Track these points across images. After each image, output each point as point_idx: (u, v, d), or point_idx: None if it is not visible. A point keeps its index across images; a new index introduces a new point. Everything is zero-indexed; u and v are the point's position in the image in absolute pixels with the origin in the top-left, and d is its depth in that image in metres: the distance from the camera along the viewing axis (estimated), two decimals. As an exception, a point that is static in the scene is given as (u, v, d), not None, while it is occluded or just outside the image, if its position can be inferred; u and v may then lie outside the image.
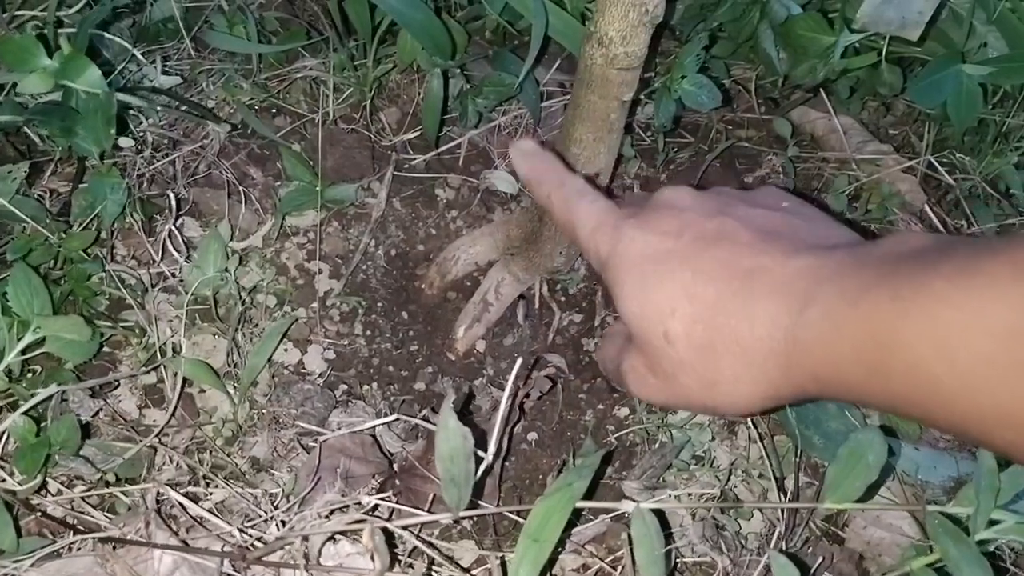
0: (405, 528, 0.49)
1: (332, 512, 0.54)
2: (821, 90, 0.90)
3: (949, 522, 0.53)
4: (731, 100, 0.95)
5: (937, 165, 0.87)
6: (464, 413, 0.73)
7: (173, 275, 0.76)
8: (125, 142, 0.71)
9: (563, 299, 0.89)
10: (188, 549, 0.52)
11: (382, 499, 0.54)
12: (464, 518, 0.52)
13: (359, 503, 0.53)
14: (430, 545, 0.51)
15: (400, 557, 0.54)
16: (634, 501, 0.52)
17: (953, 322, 0.31)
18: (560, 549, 0.60)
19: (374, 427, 0.68)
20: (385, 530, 0.50)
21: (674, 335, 0.43)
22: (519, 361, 0.54)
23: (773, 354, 0.40)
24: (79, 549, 0.55)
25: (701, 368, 0.43)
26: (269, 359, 0.73)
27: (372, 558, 0.46)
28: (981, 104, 0.82)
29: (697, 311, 0.42)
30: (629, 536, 0.54)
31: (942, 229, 0.85)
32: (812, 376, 0.38)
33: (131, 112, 0.81)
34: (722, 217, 0.46)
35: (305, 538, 0.49)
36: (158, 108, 0.79)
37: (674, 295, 0.43)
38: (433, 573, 0.53)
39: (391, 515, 0.56)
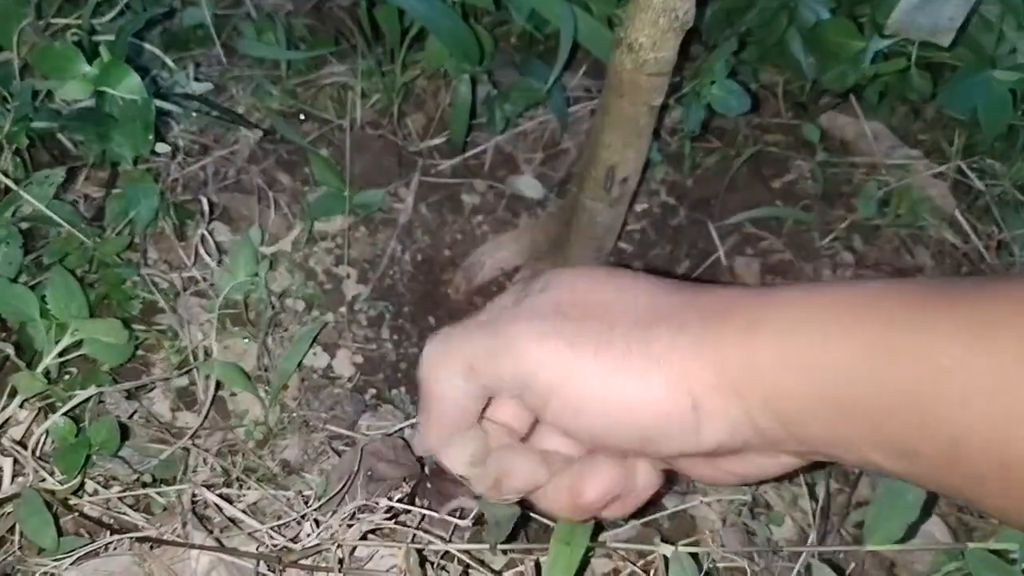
0: (441, 539, 0.49)
1: (364, 514, 0.54)
2: (850, 95, 0.90)
3: (992, 556, 0.52)
4: (759, 105, 0.95)
5: (967, 171, 0.86)
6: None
7: (204, 279, 0.76)
8: (162, 148, 0.71)
9: (589, 304, 0.89)
10: (226, 550, 0.52)
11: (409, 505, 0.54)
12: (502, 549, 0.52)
13: (394, 504, 0.53)
14: (465, 552, 0.51)
15: (431, 560, 0.54)
16: (665, 508, 0.52)
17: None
18: (592, 553, 0.60)
19: (402, 430, 0.69)
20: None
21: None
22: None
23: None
24: (115, 549, 0.56)
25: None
26: (299, 363, 0.74)
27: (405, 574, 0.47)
28: (1011, 110, 0.82)
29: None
30: (662, 540, 0.54)
31: (972, 235, 0.84)
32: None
33: (163, 118, 0.82)
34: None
35: (340, 544, 0.49)
36: (193, 113, 0.80)
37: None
38: (468, 576, 0.53)
39: (423, 519, 0.57)
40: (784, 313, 0.35)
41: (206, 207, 0.77)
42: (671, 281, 0.41)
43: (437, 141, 0.93)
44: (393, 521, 0.53)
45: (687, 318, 0.37)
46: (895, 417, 0.31)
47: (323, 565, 0.51)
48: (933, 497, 0.65)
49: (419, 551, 0.48)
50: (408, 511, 0.54)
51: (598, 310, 0.39)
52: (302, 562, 0.51)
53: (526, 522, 0.59)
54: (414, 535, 0.51)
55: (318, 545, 0.50)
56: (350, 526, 0.52)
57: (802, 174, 0.91)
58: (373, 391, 0.76)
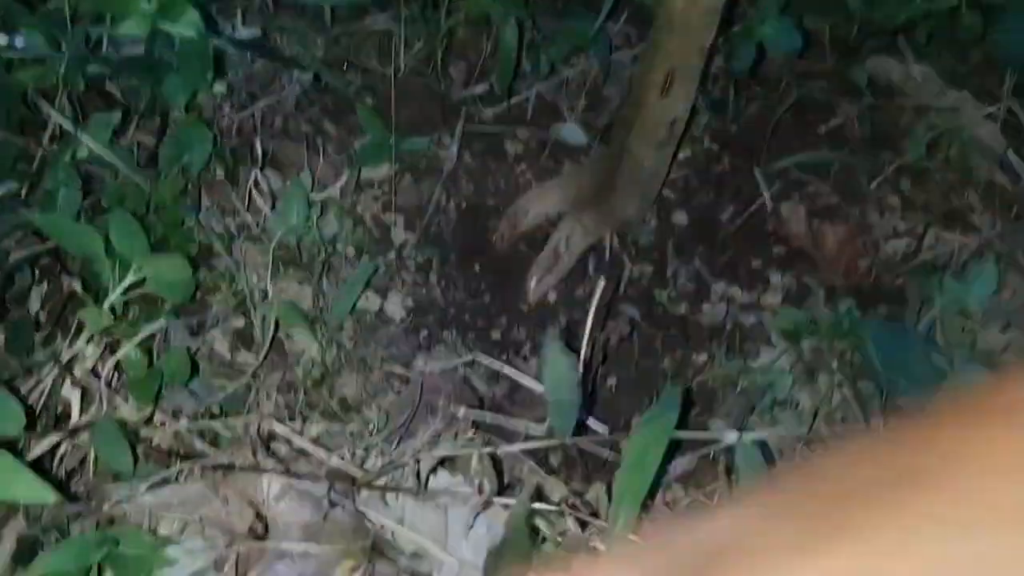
0: (518, 450, 0.50)
1: (434, 441, 0.55)
2: (898, 37, 0.89)
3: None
4: (804, 51, 0.94)
5: (1018, 111, 0.85)
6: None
7: (257, 224, 0.77)
8: (220, 87, 0.72)
9: (634, 251, 0.89)
10: (298, 475, 0.53)
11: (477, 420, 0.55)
12: (567, 445, 0.52)
13: (459, 428, 0.54)
14: (539, 463, 0.52)
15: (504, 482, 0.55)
16: (735, 432, 0.53)
17: None
18: (656, 484, 0.61)
19: (458, 367, 0.69)
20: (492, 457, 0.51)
21: None
22: (601, 281, 0.55)
23: None
24: (188, 478, 0.57)
25: None
26: (353, 305, 0.74)
27: (479, 483, 0.47)
28: (1066, 48, 0.81)
29: None
30: (727, 467, 0.54)
31: (1022, 175, 0.83)
32: None
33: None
34: None
35: (418, 461, 0.50)
36: (243, 59, 0.80)
37: None
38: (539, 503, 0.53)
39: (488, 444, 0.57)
40: None
41: (259, 152, 0.78)
42: None
43: (480, 89, 0.92)
44: (467, 438, 0.53)
45: None
46: None
47: (396, 486, 0.52)
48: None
49: (492, 456, 0.49)
50: (475, 433, 0.55)
51: None
52: (376, 483, 0.51)
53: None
54: (488, 439, 0.52)
55: (392, 462, 0.51)
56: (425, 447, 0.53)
57: (848, 118, 0.91)
58: (425, 332, 0.77)
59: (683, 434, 0.52)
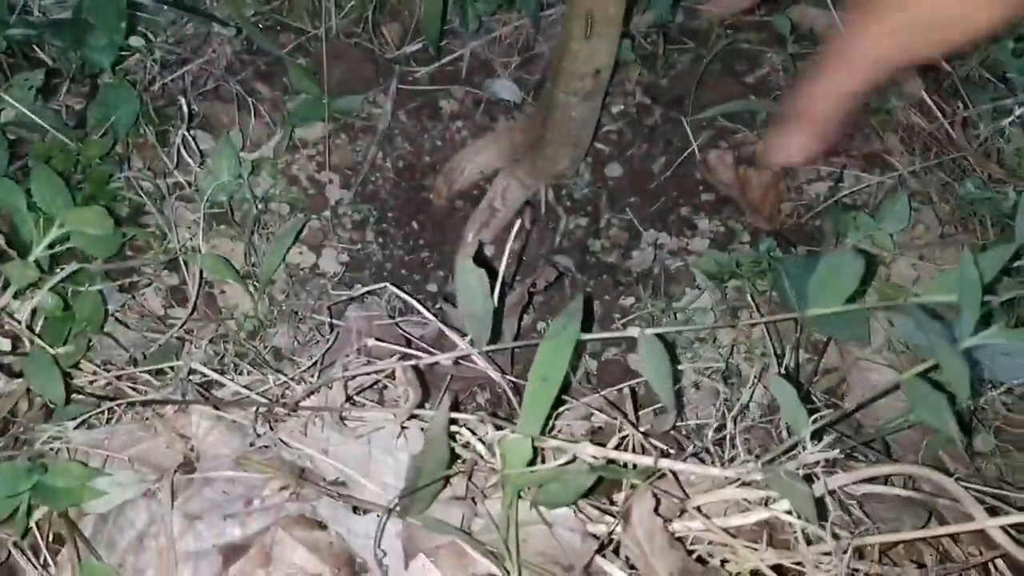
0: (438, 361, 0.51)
1: (356, 367, 0.57)
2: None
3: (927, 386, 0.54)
4: (729, 2, 0.96)
5: (935, 53, 0.87)
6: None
7: (188, 184, 0.78)
8: (136, 41, 0.73)
9: (568, 204, 0.91)
10: (226, 411, 0.55)
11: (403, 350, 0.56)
12: (486, 351, 0.54)
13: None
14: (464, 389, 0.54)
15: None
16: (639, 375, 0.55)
17: None
18: (566, 406, 0.63)
19: (393, 310, 0.71)
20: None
21: None
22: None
23: None
24: (120, 419, 0.59)
25: None
26: (285, 260, 0.76)
27: (405, 393, 0.49)
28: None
29: None
30: (631, 389, 0.56)
31: (939, 115, 0.86)
32: None
33: (140, 30, 0.82)
34: None
35: (343, 378, 0.52)
36: (166, 9, 0.80)
37: None
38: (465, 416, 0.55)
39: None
40: None
41: (185, 111, 0.78)
42: None
43: (413, 48, 0.94)
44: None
45: None
46: None
47: (316, 408, 0.53)
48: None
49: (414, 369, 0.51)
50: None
51: None
52: (299, 411, 0.53)
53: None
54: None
55: (312, 390, 0.53)
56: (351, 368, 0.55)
57: (774, 67, 0.93)
58: (359, 286, 0.79)
59: (588, 336, 0.54)
